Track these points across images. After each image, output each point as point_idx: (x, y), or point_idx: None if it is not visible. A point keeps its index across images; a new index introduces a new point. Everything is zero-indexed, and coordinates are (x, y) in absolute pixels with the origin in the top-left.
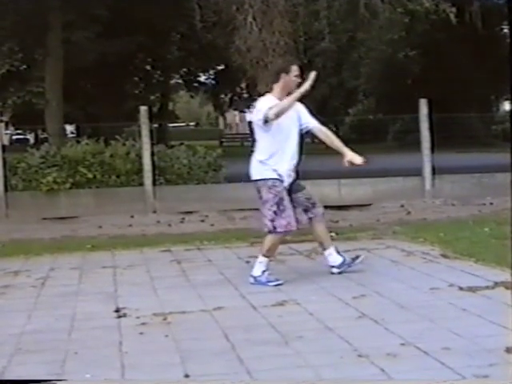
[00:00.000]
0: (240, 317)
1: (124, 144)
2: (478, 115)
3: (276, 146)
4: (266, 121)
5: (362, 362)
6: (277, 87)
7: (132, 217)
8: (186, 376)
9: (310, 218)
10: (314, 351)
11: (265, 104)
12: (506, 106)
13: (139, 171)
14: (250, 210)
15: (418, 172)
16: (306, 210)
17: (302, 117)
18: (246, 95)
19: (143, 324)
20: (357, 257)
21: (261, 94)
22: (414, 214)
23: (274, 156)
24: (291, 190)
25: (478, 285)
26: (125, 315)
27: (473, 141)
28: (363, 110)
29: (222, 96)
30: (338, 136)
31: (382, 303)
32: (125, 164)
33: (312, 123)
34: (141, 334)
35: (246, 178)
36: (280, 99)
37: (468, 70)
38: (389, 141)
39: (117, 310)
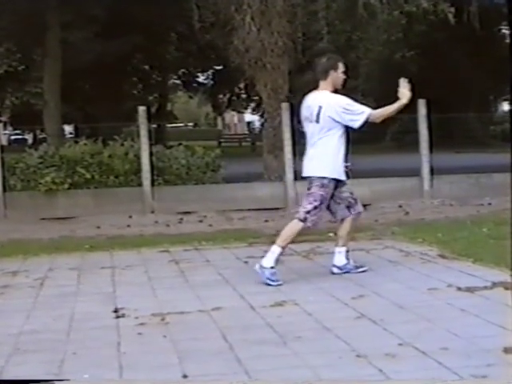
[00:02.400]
0: (238, 317)
1: (122, 144)
2: (477, 115)
3: (342, 142)
4: (366, 122)
5: (360, 362)
6: (325, 84)
7: (130, 217)
8: (184, 376)
9: (351, 214)
10: (312, 351)
11: (343, 100)
12: (505, 106)
13: (137, 171)
14: (248, 210)
15: (416, 172)
16: (348, 207)
17: None
18: (244, 95)
19: (141, 324)
20: (360, 266)
21: (258, 95)
22: (412, 214)
23: (340, 153)
24: (337, 185)
25: (477, 285)
26: (123, 315)
27: (471, 141)
28: None
29: (221, 96)
30: None
31: (380, 303)
32: (123, 164)
33: None
34: (139, 334)
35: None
36: None
37: (466, 71)
38: (387, 141)
39: (115, 311)
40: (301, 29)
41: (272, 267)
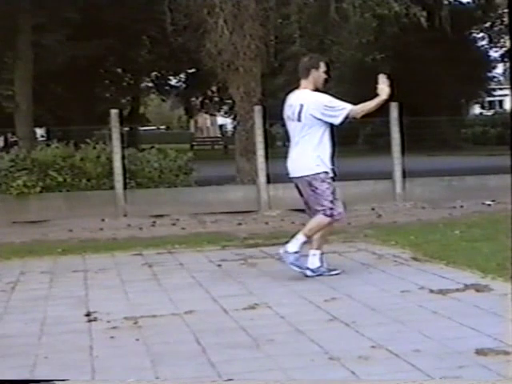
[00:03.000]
0: (211, 320)
1: (94, 147)
2: (448, 119)
3: (326, 139)
4: (347, 118)
5: (332, 365)
6: (306, 82)
7: (103, 220)
8: (157, 379)
9: None
10: (285, 354)
11: (324, 98)
12: (476, 109)
13: (110, 175)
14: (221, 213)
15: (388, 175)
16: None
17: None
18: (216, 98)
19: (114, 328)
20: (333, 269)
21: (231, 98)
22: (384, 217)
23: (325, 149)
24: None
25: (449, 287)
26: (95, 319)
27: (443, 144)
28: None
29: (193, 99)
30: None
31: (353, 306)
32: (95, 167)
33: None
34: (111, 337)
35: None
36: None
37: (438, 74)
38: (360, 144)
39: (87, 314)
40: (273, 32)
41: (296, 252)
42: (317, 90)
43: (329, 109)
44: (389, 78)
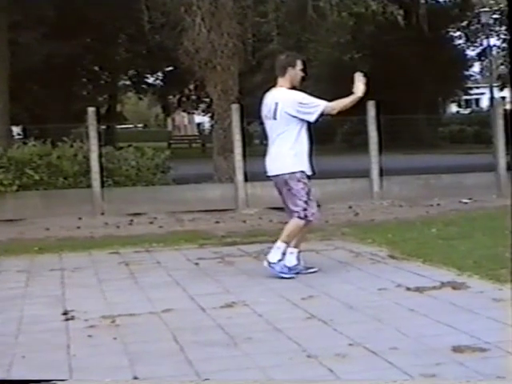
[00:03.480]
0: (188, 318)
1: (71, 145)
2: (425, 117)
3: (303, 137)
4: (322, 115)
5: (310, 363)
6: (282, 81)
7: (80, 219)
8: (135, 378)
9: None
10: (262, 352)
11: (299, 95)
12: (453, 107)
13: (87, 173)
14: (199, 211)
15: (366, 173)
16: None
17: None
18: (194, 97)
19: (91, 327)
20: (311, 267)
21: (208, 96)
22: (362, 215)
23: (302, 147)
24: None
25: (425, 285)
26: (73, 318)
27: (420, 142)
28: None
29: (171, 97)
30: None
31: (330, 304)
32: (72, 166)
33: None
34: (89, 336)
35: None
36: None
37: (415, 72)
38: (337, 142)
39: (65, 313)
40: (251, 30)
41: (279, 260)
42: (294, 88)
43: (303, 106)
44: (366, 76)
